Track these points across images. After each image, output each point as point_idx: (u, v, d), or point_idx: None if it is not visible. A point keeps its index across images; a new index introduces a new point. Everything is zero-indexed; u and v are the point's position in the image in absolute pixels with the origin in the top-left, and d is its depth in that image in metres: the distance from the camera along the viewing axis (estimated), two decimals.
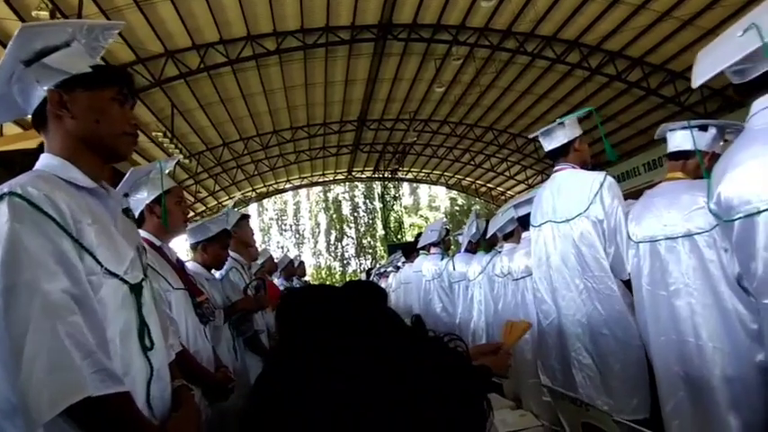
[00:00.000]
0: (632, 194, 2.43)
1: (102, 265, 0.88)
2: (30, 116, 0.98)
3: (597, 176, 2.04)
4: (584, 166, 2.22)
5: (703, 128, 1.81)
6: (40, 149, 1.05)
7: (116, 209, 1.02)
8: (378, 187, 26.90)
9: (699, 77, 1.44)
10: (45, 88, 0.93)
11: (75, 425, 0.76)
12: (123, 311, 0.91)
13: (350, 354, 0.37)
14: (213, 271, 2.48)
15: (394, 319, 0.43)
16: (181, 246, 2.42)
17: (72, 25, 0.98)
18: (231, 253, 2.75)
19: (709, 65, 1.42)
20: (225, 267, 2.62)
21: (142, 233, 1.66)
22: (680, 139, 1.84)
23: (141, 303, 0.96)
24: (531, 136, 2.34)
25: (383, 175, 19.11)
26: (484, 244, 3.75)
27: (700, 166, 1.81)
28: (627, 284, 1.95)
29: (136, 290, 0.95)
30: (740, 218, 1.33)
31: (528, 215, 2.51)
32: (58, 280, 0.79)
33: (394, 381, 0.35)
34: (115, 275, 0.91)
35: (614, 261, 1.96)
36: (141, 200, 1.68)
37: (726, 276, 1.56)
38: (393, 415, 0.34)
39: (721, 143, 1.85)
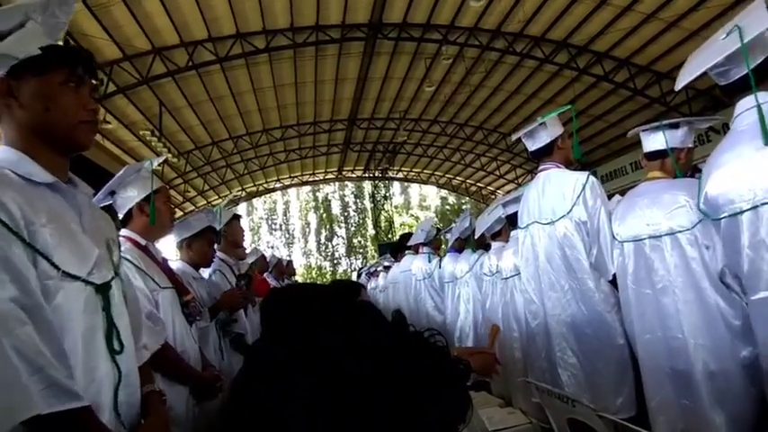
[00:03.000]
0: (620, 194, 2.47)
1: (59, 269, 0.82)
2: None
3: (580, 177, 2.05)
4: (568, 164, 2.24)
5: (674, 126, 1.84)
6: None
7: (83, 203, 0.95)
8: (368, 186, 26.86)
9: (682, 80, 1.48)
10: None
11: None
12: (86, 315, 0.85)
13: (330, 350, 0.37)
14: (202, 270, 2.46)
15: (376, 315, 0.43)
16: (168, 247, 2.38)
17: (24, 5, 0.90)
18: (219, 253, 2.73)
19: (692, 67, 1.45)
20: (209, 269, 2.60)
21: (127, 232, 1.65)
22: (654, 139, 1.87)
23: (110, 304, 0.91)
24: (514, 138, 2.35)
25: (373, 174, 19.09)
26: (474, 243, 3.77)
27: (678, 163, 1.85)
28: (614, 284, 1.97)
29: (103, 290, 0.90)
30: (725, 217, 1.37)
31: (516, 213, 2.53)
32: (4, 288, 0.73)
33: (375, 374, 0.36)
34: (76, 278, 0.85)
35: (597, 261, 1.98)
36: (131, 198, 1.65)
37: (708, 273, 1.58)
38: (376, 404, 0.34)
39: (693, 136, 1.89)
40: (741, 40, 1.28)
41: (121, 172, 1.61)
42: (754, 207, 1.29)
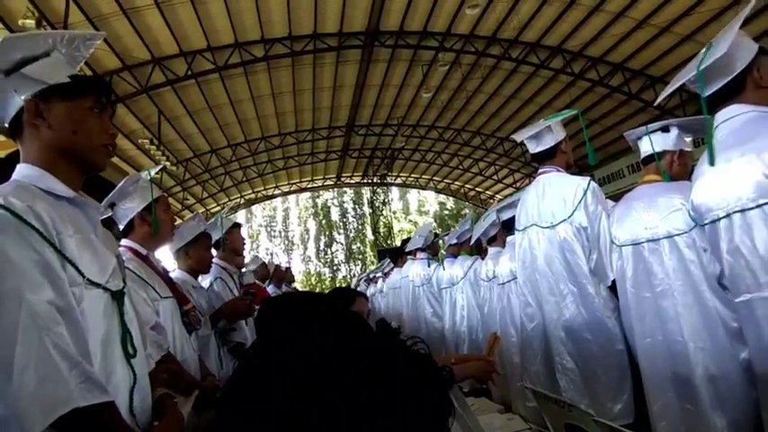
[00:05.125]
0: (617, 197, 2.48)
1: (84, 276, 0.88)
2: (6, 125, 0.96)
3: (581, 182, 2.05)
4: (569, 168, 2.23)
5: (665, 129, 1.86)
6: (7, 160, 1.05)
7: (95, 218, 1.02)
8: (367, 193, 26.88)
9: (663, 93, 1.63)
10: (23, 98, 0.92)
11: None
12: (105, 320, 0.91)
13: (312, 357, 0.39)
14: (200, 278, 2.47)
15: (361, 324, 0.45)
16: (166, 257, 2.38)
17: (52, 36, 0.98)
18: (218, 261, 2.73)
19: (673, 80, 1.57)
20: (210, 278, 2.60)
21: (128, 243, 1.66)
22: (644, 144, 1.89)
23: (124, 311, 0.96)
24: (517, 140, 2.33)
25: (372, 180, 19.11)
26: (473, 248, 3.78)
27: (671, 166, 1.85)
28: (613, 289, 1.96)
29: (118, 297, 0.95)
30: (708, 223, 1.45)
31: (512, 219, 2.53)
32: (42, 291, 0.79)
33: (355, 381, 0.38)
34: (97, 285, 0.90)
35: (597, 266, 1.97)
36: (131, 209, 1.67)
37: (706, 276, 1.58)
38: (353, 413, 0.36)
39: (689, 140, 1.90)
40: (712, 57, 1.39)
41: (121, 184, 1.63)
42: (728, 215, 1.37)
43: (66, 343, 0.78)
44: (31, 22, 6.07)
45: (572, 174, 2.21)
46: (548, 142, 2.19)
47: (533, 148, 2.25)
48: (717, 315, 1.55)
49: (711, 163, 1.42)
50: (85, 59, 1.07)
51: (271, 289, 5.54)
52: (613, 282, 1.95)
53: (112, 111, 1.05)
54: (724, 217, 1.38)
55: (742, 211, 1.32)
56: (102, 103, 1.00)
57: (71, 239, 0.87)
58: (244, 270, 3.49)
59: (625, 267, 1.84)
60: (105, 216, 1.67)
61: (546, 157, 2.22)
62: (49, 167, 0.94)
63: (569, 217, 2.03)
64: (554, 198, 2.12)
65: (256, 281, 4.36)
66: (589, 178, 2.06)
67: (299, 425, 0.36)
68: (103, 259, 0.94)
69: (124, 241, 1.67)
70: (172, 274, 2.07)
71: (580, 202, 2.01)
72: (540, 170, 2.26)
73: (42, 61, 0.95)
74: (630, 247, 1.82)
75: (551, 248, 2.09)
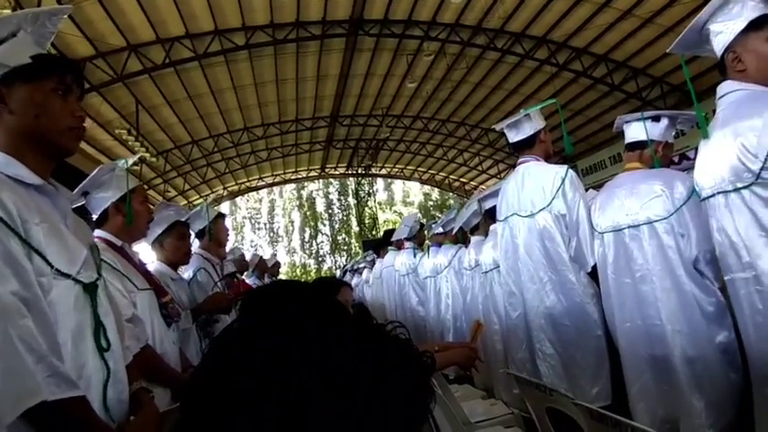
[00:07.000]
0: (599, 187, 2.51)
1: (52, 266, 0.85)
2: None
3: (559, 171, 2.07)
4: (548, 157, 2.26)
5: (656, 119, 1.88)
6: None
7: (66, 207, 0.99)
8: (352, 183, 26.79)
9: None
10: None
11: (33, 428, 0.75)
12: (76, 312, 0.89)
13: (292, 342, 0.38)
14: (181, 270, 2.42)
15: (338, 308, 0.44)
16: (146, 251, 2.32)
17: (17, 16, 0.95)
18: (201, 251, 2.68)
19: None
20: (192, 268, 2.54)
21: (102, 233, 1.61)
22: (635, 130, 1.91)
23: (97, 303, 0.94)
24: (497, 128, 2.35)
25: (357, 171, 19.03)
26: (457, 237, 3.80)
27: (655, 156, 1.89)
28: (593, 275, 2.00)
29: (90, 289, 0.93)
30: (703, 199, 1.46)
31: (495, 207, 2.55)
32: (7, 282, 0.77)
33: (333, 366, 0.37)
34: (67, 276, 0.88)
35: (576, 253, 2.00)
36: (105, 198, 1.62)
37: (683, 261, 1.62)
38: (332, 399, 0.35)
39: (673, 132, 1.94)
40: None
41: (95, 172, 1.59)
42: (713, 195, 1.38)
43: (31, 336, 0.76)
44: (8, 12, 5.82)
45: (553, 163, 2.23)
46: (526, 131, 2.22)
47: (513, 137, 2.27)
48: (693, 299, 1.58)
49: (705, 136, 1.42)
50: (53, 36, 1.02)
51: (252, 281, 5.51)
52: (593, 268, 1.98)
53: (81, 91, 1.01)
54: (711, 196, 1.40)
55: (724, 192, 1.33)
56: (66, 84, 0.96)
57: (38, 228, 0.84)
58: (226, 262, 3.44)
59: (607, 254, 1.87)
60: (78, 205, 1.62)
61: (525, 147, 2.24)
62: (15, 154, 0.91)
63: (548, 205, 2.06)
64: (533, 187, 2.14)
65: (237, 275, 4.30)
66: (567, 167, 2.09)
67: (278, 411, 0.35)
68: (74, 250, 0.92)
69: (98, 232, 1.62)
70: (150, 267, 2.03)
71: (558, 190, 2.04)
72: (519, 160, 2.28)
73: (6, 44, 0.91)
74: (612, 234, 1.85)
75: (531, 237, 2.12)
